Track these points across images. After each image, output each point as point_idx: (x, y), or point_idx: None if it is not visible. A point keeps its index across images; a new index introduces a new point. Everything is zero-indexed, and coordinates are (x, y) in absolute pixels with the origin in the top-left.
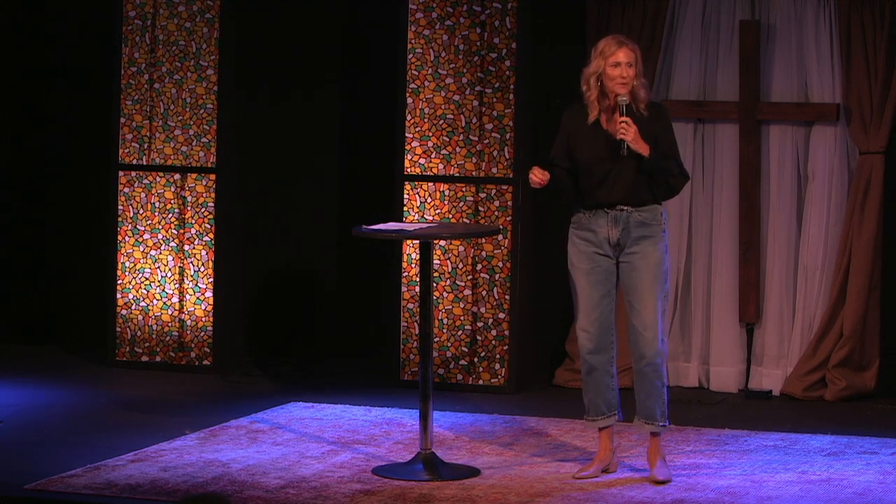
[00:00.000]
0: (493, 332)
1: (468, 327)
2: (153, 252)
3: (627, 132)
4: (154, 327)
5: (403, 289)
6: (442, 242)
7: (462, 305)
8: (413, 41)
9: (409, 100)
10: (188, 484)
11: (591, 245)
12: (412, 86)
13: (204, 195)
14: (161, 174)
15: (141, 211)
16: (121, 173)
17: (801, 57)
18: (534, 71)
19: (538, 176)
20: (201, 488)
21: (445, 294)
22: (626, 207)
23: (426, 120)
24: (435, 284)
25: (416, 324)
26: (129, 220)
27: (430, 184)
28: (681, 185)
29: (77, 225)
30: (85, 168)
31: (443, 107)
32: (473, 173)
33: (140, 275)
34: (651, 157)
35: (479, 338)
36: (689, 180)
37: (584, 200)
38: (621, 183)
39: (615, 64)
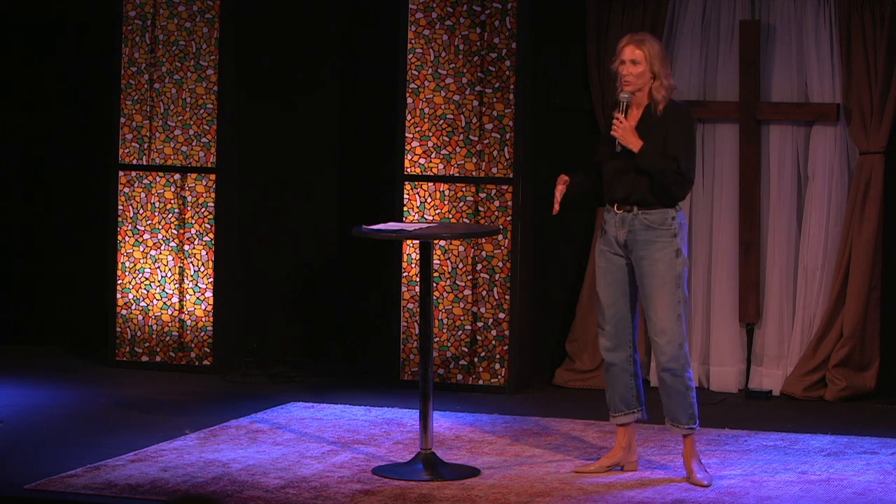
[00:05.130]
0: (493, 332)
1: (468, 327)
2: (153, 252)
3: (617, 128)
4: (154, 327)
5: (403, 289)
6: (442, 242)
7: (462, 305)
8: (413, 41)
9: (409, 100)
10: (188, 484)
11: (606, 244)
12: (412, 86)
13: (204, 195)
14: (161, 174)
15: (141, 211)
16: (121, 173)
17: (801, 57)
18: (534, 71)
19: (559, 192)
20: (201, 488)
21: (445, 294)
22: (631, 208)
23: (426, 120)
24: (435, 284)
25: (416, 324)
26: (129, 220)
27: (430, 184)
28: (676, 185)
29: (77, 225)
30: (85, 168)
31: (443, 107)
32: (473, 173)
33: (140, 275)
34: (642, 154)
35: (479, 338)
36: (692, 183)
37: (603, 199)
38: (624, 181)
39: (621, 62)
